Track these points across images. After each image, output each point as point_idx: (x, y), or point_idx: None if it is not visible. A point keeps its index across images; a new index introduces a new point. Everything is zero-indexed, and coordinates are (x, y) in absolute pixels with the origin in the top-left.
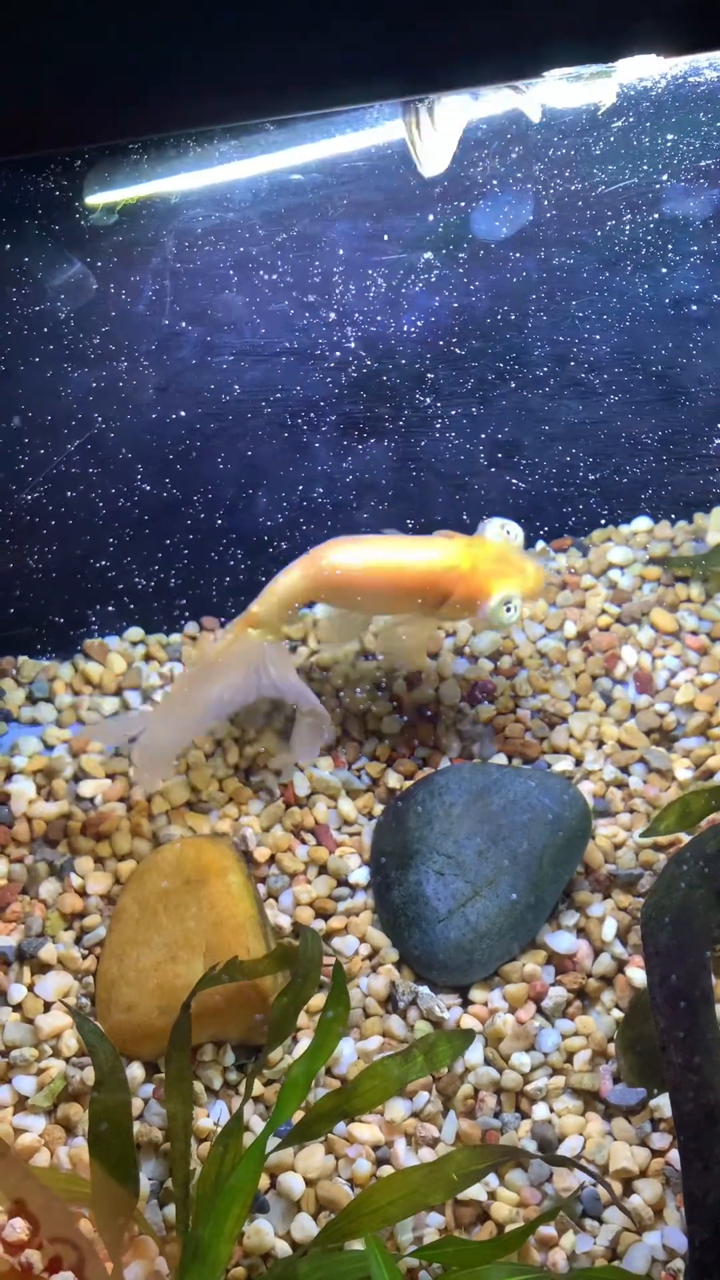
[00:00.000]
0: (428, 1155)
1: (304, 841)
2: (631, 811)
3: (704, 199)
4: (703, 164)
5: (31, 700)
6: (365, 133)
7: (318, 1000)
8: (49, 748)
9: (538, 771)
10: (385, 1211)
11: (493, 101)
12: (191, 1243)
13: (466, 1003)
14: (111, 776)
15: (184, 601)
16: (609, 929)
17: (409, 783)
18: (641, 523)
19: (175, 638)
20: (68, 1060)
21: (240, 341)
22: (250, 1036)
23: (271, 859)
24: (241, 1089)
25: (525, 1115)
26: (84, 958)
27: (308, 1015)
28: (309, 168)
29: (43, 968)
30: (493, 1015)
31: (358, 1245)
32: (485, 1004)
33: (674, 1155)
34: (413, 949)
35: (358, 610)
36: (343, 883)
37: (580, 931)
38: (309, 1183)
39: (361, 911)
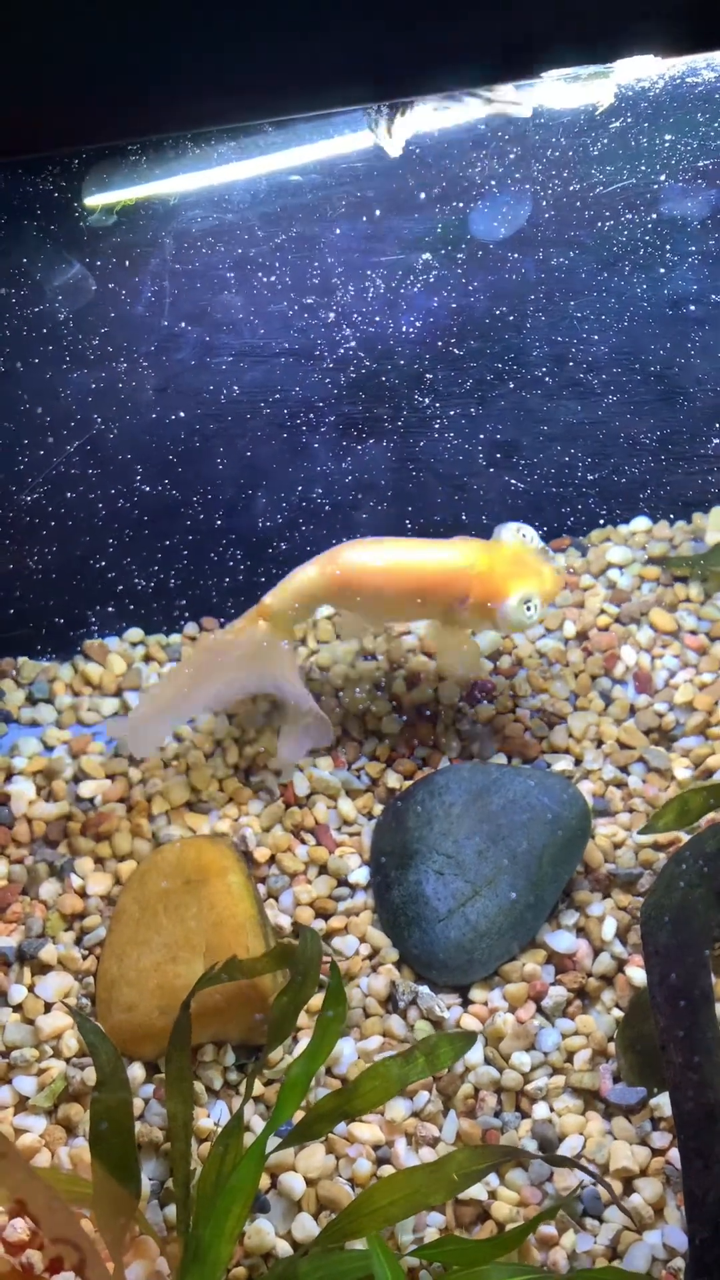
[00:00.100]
0: (428, 1155)
1: (304, 841)
2: (631, 811)
3: (702, 199)
4: (700, 164)
5: (31, 701)
6: (364, 134)
7: (318, 1000)
8: (49, 748)
9: (537, 771)
10: (386, 1211)
11: (473, 107)
12: (192, 1243)
13: (466, 1002)
14: (111, 777)
15: (183, 602)
16: (609, 928)
17: (409, 782)
18: (640, 523)
19: (175, 638)
20: (68, 1061)
21: (239, 342)
22: (250, 1036)
23: (271, 859)
24: (242, 1089)
25: (525, 1115)
26: (84, 958)
27: (308, 1015)
28: (307, 169)
29: (43, 968)
30: (493, 1015)
31: (359, 1245)
32: (485, 1003)
33: (674, 1154)
34: (413, 949)
35: (371, 614)
36: (343, 882)
37: (580, 931)
38: (310, 1182)
39: (361, 911)
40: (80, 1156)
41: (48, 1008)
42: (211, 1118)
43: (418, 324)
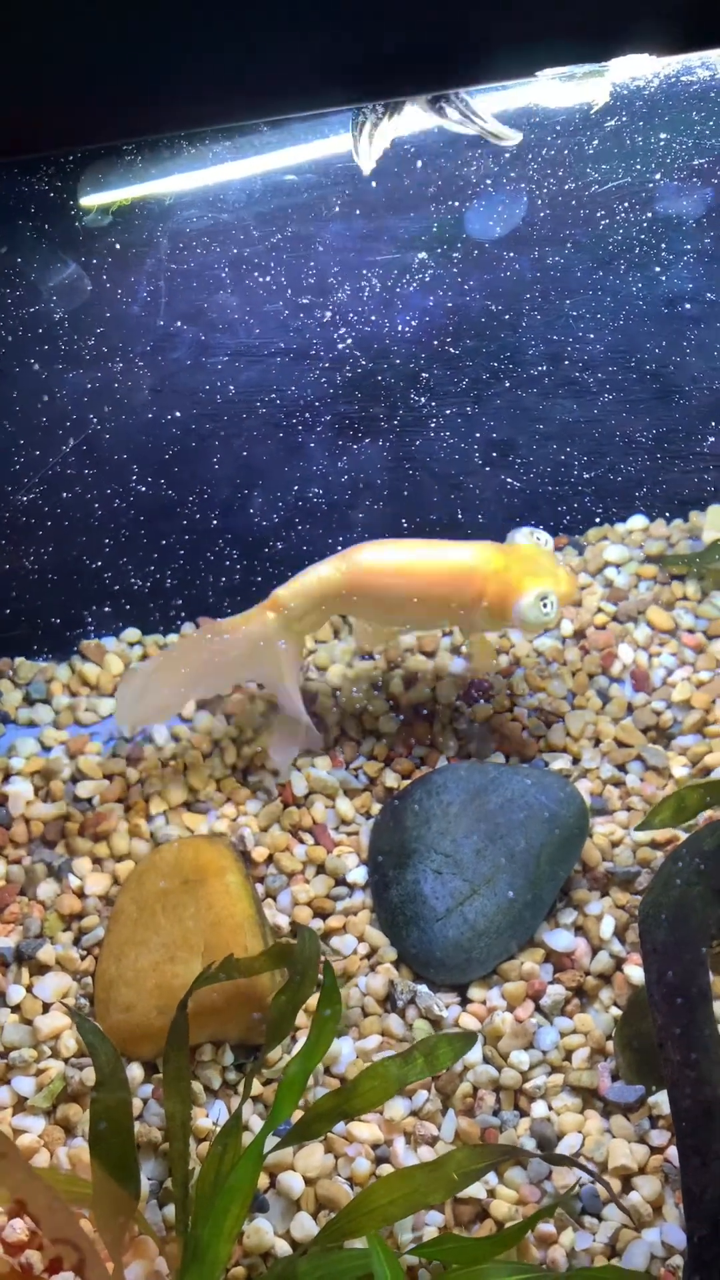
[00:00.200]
0: (427, 1154)
1: (302, 841)
2: (629, 809)
3: (697, 198)
4: (695, 163)
5: (29, 701)
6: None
7: (316, 999)
8: (46, 749)
9: (535, 770)
10: (385, 1210)
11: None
12: (191, 1242)
13: (465, 1001)
14: (109, 777)
15: (180, 602)
16: (607, 926)
17: (406, 782)
18: (637, 521)
19: (172, 638)
20: (66, 1061)
21: (235, 342)
22: (249, 1036)
23: (269, 859)
24: (240, 1089)
25: (524, 1113)
26: (82, 958)
27: (306, 1014)
28: (303, 168)
29: (41, 969)
30: (491, 1013)
31: (358, 1244)
32: (484, 1002)
33: (672, 1152)
34: (411, 948)
35: (386, 616)
36: (341, 882)
37: (578, 929)
38: (308, 1182)
39: (359, 911)
40: (79, 1157)
41: (46, 1008)
42: (210, 1117)
43: (413, 323)
